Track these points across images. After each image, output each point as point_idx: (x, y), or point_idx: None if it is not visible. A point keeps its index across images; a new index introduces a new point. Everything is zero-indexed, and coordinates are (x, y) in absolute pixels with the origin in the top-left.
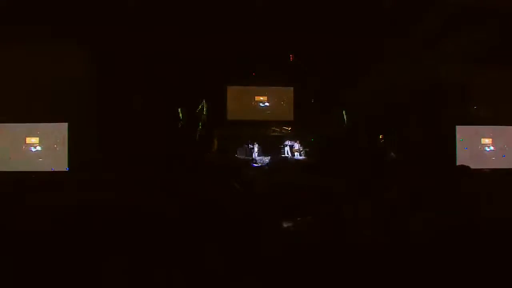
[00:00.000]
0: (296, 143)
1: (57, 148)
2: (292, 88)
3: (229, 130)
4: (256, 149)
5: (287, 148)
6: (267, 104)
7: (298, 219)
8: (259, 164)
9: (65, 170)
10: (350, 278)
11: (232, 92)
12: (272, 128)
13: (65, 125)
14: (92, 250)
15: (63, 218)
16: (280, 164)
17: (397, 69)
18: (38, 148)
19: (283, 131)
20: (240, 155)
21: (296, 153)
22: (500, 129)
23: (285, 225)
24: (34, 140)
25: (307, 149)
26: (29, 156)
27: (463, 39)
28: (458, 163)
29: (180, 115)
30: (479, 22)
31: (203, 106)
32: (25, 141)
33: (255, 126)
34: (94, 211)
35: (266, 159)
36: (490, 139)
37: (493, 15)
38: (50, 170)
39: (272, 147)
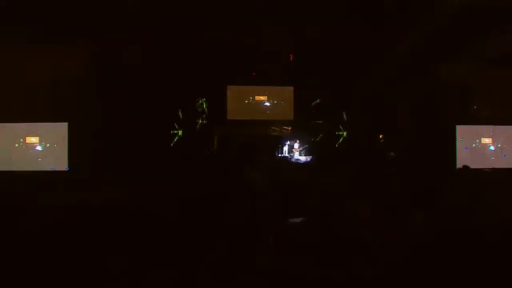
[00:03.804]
0: (296, 143)
1: (57, 148)
2: (292, 88)
3: (229, 129)
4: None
5: (285, 148)
6: (267, 103)
7: (299, 218)
8: None
9: (65, 170)
10: (350, 276)
11: (232, 91)
12: (272, 127)
13: (65, 125)
14: (92, 249)
15: (63, 218)
16: (281, 163)
17: (397, 69)
18: (39, 147)
19: (283, 131)
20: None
21: (296, 152)
22: (500, 129)
23: (286, 224)
24: (34, 139)
25: (307, 148)
26: (29, 156)
27: (464, 39)
28: (458, 162)
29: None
30: (480, 22)
31: (203, 106)
32: (25, 141)
33: (255, 125)
34: (94, 211)
35: None
36: (490, 139)
37: (493, 14)
38: (50, 169)
39: (272, 146)
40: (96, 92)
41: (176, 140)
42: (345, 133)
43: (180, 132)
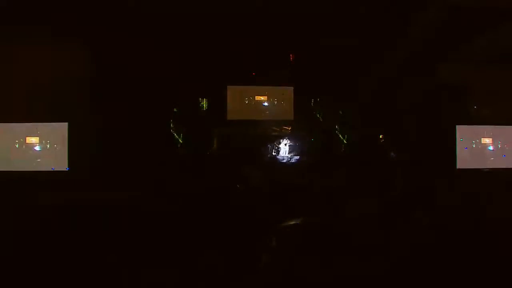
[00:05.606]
0: (296, 143)
1: (57, 148)
2: (292, 88)
3: (229, 129)
4: None
5: (285, 148)
6: (267, 103)
7: (299, 218)
8: None
9: (65, 170)
10: (350, 276)
11: (232, 91)
12: (272, 127)
13: (65, 125)
14: (92, 249)
15: (63, 218)
16: (281, 163)
17: (396, 68)
18: (39, 147)
19: (283, 131)
20: None
21: (296, 153)
22: (500, 129)
23: (286, 224)
24: (34, 139)
25: (307, 148)
26: (29, 156)
27: (463, 38)
28: (458, 162)
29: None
30: (480, 21)
31: (203, 106)
32: (25, 141)
33: (255, 125)
34: (94, 211)
35: None
36: (490, 139)
37: (493, 14)
38: (50, 169)
39: (272, 146)
40: (96, 92)
41: (176, 140)
42: (345, 136)
43: (180, 134)
